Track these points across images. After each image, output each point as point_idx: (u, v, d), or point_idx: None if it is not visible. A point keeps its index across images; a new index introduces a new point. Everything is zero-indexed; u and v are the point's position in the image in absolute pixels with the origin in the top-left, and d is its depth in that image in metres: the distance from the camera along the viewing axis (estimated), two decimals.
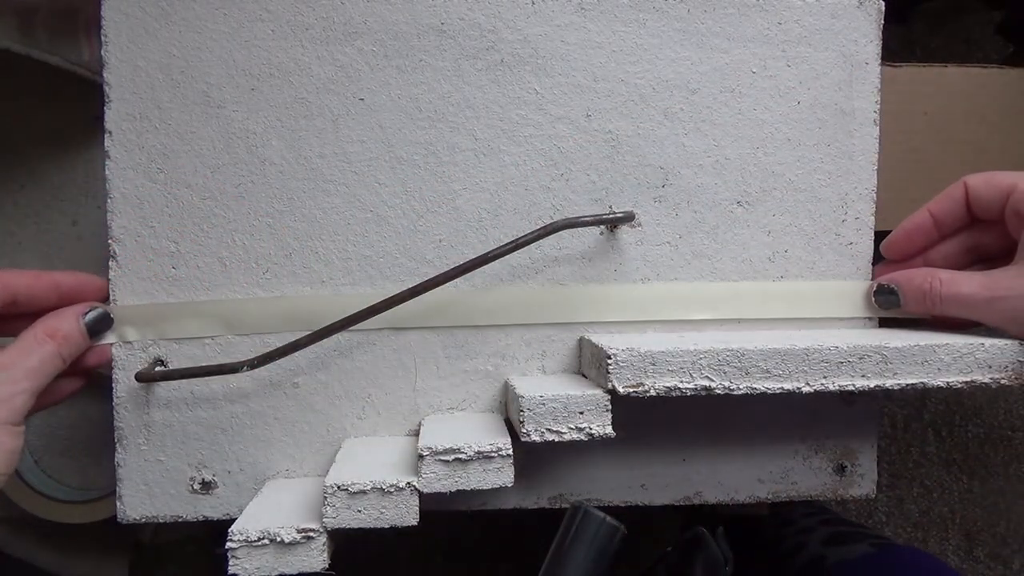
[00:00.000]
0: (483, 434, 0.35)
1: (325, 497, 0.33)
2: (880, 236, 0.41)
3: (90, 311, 0.36)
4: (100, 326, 0.37)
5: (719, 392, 0.34)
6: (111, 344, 0.38)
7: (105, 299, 0.38)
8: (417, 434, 0.39)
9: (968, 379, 0.35)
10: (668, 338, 0.37)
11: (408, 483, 0.33)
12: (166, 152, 0.38)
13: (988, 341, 0.35)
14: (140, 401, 0.38)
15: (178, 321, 0.38)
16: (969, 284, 0.36)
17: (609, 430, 0.34)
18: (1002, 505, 0.93)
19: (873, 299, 0.40)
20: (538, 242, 0.38)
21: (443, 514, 0.39)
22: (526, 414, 0.33)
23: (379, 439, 0.39)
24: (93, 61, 0.47)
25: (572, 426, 0.34)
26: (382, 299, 0.36)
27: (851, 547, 0.46)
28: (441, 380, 0.40)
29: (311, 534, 0.33)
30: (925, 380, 0.35)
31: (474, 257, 0.37)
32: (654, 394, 0.33)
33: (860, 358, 0.34)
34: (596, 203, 0.40)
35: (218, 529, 0.35)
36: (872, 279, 0.41)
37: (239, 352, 0.39)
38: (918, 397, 0.92)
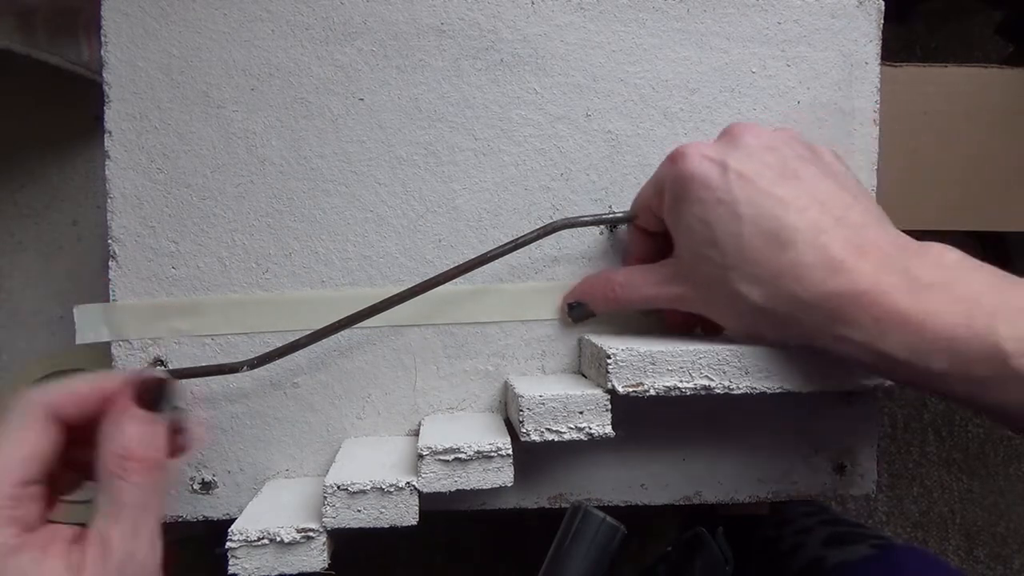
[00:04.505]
0: (483, 434, 0.35)
1: (325, 497, 0.33)
2: None
3: (138, 388, 0.29)
4: (155, 392, 0.29)
5: (719, 392, 0.34)
6: (153, 376, 0.30)
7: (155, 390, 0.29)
8: (417, 434, 0.39)
9: None
10: (668, 337, 0.37)
11: (408, 483, 0.33)
12: (166, 152, 0.38)
13: None
14: None
15: (178, 321, 0.38)
16: (647, 284, 0.35)
17: (609, 430, 0.34)
18: (1002, 505, 0.93)
19: (568, 316, 0.39)
20: (538, 242, 0.38)
21: (443, 514, 0.39)
22: (526, 414, 0.33)
23: (379, 439, 0.39)
24: (93, 61, 0.47)
25: (572, 426, 0.34)
26: (382, 299, 0.36)
27: (851, 548, 0.46)
28: (441, 380, 0.40)
29: (311, 534, 0.33)
30: None
31: (474, 257, 0.37)
32: (654, 394, 0.33)
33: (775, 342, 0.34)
34: (596, 203, 0.40)
35: (218, 529, 0.35)
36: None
37: (239, 352, 0.39)
38: (918, 397, 0.92)
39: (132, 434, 0.28)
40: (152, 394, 0.29)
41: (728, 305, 0.33)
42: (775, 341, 0.33)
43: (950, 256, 0.29)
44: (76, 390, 0.29)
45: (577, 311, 0.39)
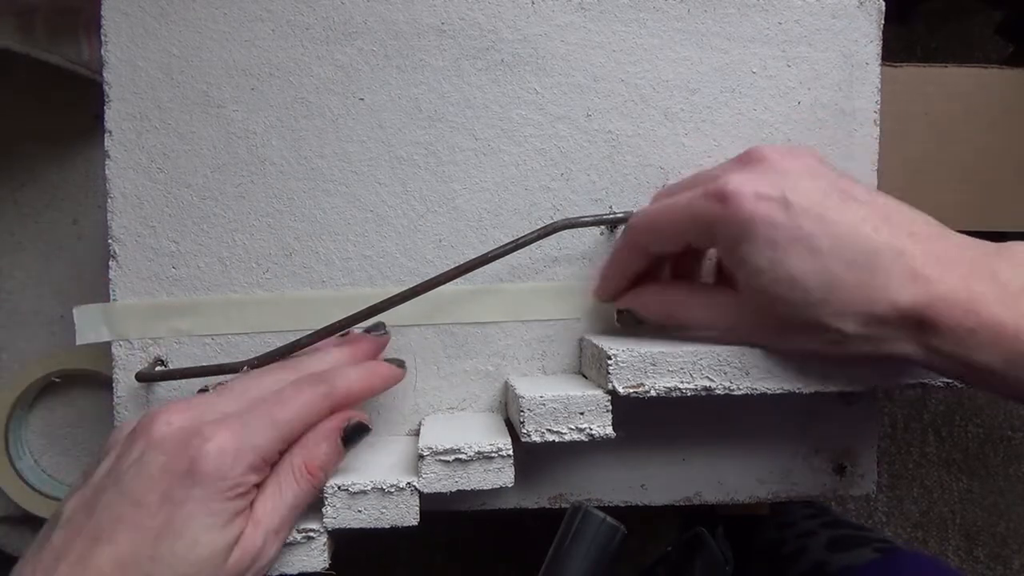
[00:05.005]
0: (483, 434, 0.35)
1: (325, 497, 0.33)
2: None
3: (347, 425, 0.33)
4: (356, 437, 0.33)
5: (719, 392, 0.34)
6: (362, 422, 0.34)
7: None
8: (417, 434, 0.39)
9: None
10: (668, 337, 0.37)
11: (408, 483, 0.33)
12: (166, 152, 0.38)
13: None
14: (140, 401, 0.38)
15: (178, 321, 0.38)
16: (702, 307, 0.35)
17: (609, 430, 0.34)
18: (1002, 505, 0.93)
19: (617, 322, 0.38)
20: (538, 242, 0.38)
21: (443, 514, 0.39)
22: (526, 414, 0.33)
23: (379, 439, 0.39)
24: (93, 61, 0.47)
25: (572, 426, 0.34)
26: (382, 299, 0.36)
27: (855, 552, 0.46)
28: (441, 380, 0.40)
29: (312, 534, 0.33)
30: (926, 380, 0.35)
31: (474, 257, 0.37)
32: (654, 394, 0.33)
33: (859, 358, 0.34)
34: (596, 203, 0.40)
35: None
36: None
37: (239, 352, 0.39)
38: (918, 397, 0.93)
39: (322, 454, 0.32)
40: (353, 434, 0.33)
41: (807, 339, 0.32)
42: (837, 360, 0.33)
43: None
44: (354, 397, 0.34)
45: (626, 317, 0.38)
